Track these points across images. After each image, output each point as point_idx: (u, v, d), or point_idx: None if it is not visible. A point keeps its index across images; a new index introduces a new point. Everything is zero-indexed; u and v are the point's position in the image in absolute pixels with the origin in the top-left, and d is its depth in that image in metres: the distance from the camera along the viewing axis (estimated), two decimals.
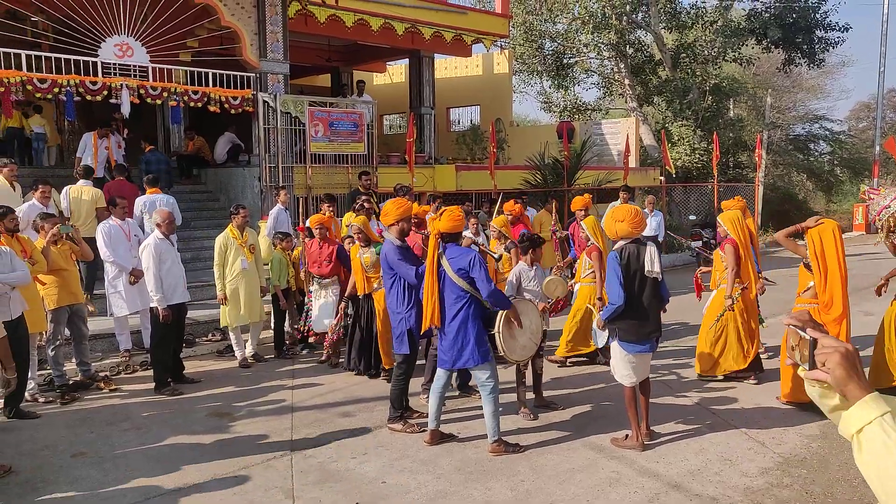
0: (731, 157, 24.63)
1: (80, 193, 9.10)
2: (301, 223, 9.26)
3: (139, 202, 9.56)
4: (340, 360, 7.80)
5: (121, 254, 7.80)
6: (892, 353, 6.09)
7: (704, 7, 22.69)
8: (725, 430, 5.72)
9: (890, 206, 6.01)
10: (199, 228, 11.92)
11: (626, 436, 5.44)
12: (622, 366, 5.36)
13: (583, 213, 8.13)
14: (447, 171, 14.63)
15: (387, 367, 7.13)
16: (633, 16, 22.41)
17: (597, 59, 24.87)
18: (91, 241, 7.87)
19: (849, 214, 25.76)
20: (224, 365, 8.03)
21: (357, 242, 7.12)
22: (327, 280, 8.04)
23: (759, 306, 7.28)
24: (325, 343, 7.91)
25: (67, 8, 9.37)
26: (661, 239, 12.49)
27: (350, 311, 7.44)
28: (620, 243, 5.34)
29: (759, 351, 7.11)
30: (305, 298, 8.44)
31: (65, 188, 9.14)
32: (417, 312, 5.65)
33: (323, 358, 7.99)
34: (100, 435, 5.83)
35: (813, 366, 1.44)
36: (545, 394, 6.44)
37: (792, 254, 6.41)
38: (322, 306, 8.03)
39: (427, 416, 5.55)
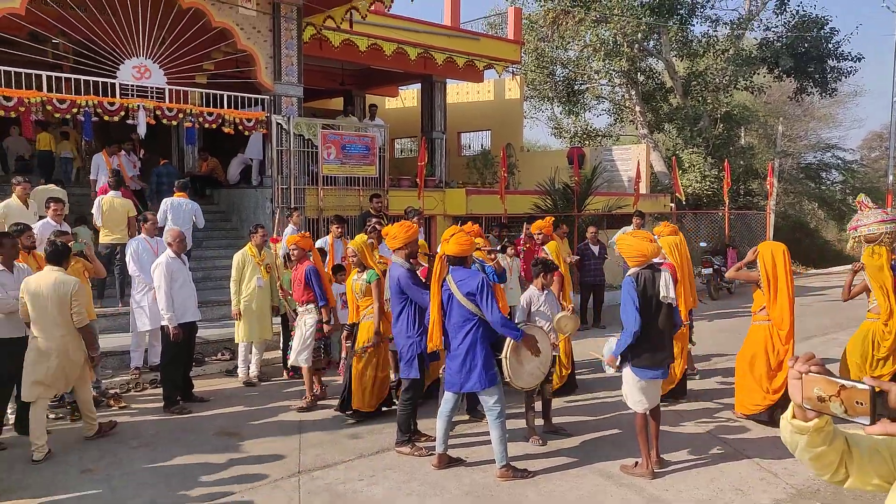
0: (742, 184, 24.63)
1: (112, 203, 9.41)
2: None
3: (164, 204, 9.83)
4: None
5: (147, 270, 7.82)
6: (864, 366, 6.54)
7: (716, 36, 22.90)
8: (737, 459, 5.68)
9: (857, 230, 6.62)
10: (210, 248, 12.03)
11: (636, 463, 5.41)
12: (634, 392, 5.35)
13: (541, 236, 8.13)
14: (458, 195, 14.72)
15: (360, 410, 6.57)
16: (645, 43, 22.62)
17: (608, 85, 25.06)
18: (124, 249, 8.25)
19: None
20: (233, 384, 8.06)
21: (354, 267, 6.81)
22: (302, 307, 7.30)
23: (692, 327, 7.54)
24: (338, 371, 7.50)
25: (88, 30, 9.57)
26: None
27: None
28: (635, 269, 5.37)
29: (692, 372, 7.33)
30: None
31: (97, 199, 9.54)
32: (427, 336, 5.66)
33: (305, 402, 7.10)
34: (108, 452, 5.86)
35: (874, 419, 1.22)
36: (554, 419, 6.42)
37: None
38: (298, 338, 7.27)
39: (435, 440, 5.55)
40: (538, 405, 6.33)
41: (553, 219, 8.77)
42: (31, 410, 5.79)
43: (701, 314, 12.25)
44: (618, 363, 5.39)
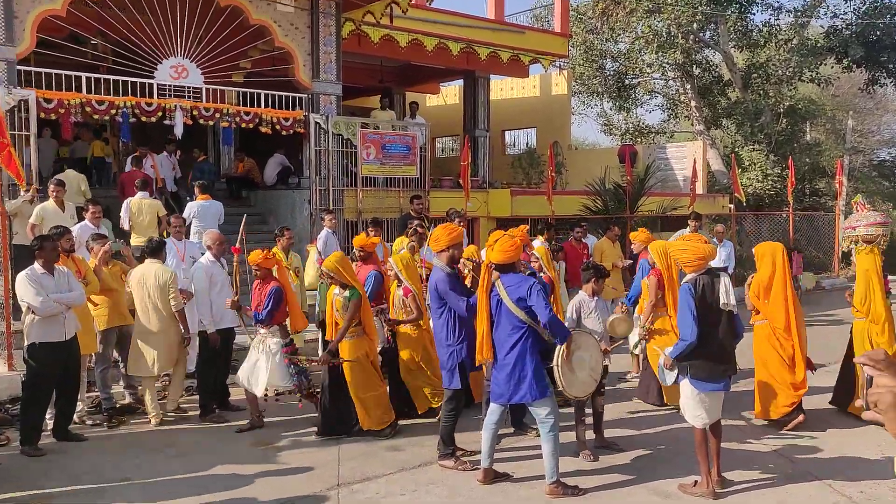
0: (807, 183, 24.02)
1: (141, 205, 9.62)
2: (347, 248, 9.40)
3: (190, 208, 9.99)
4: None
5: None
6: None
7: (778, 25, 22.39)
8: (807, 480, 5.51)
9: (855, 230, 7.02)
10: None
11: (695, 482, 5.30)
12: (693, 406, 5.25)
13: (536, 241, 8.06)
14: (502, 196, 14.69)
15: (372, 429, 6.51)
16: (701, 34, 22.26)
17: (661, 79, 24.75)
18: None
19: None
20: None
21: (332, 283, 6.63)
22: (265, 329, 6.76)
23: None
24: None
25: (127, 30, 9.85)
26: (730, 271, 12.21)
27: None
28: (692, 275, 5.28)
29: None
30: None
31: (125, 201, 9.74)
32: (469, 345, 5.66)
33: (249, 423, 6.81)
34: (145, 461, 5.99)
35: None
36: (606, 433, 6.35)
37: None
38: (257, 363, 6.70)
39: (479, 454, 5.53)
40: (588, 418, 6.25)
41: (526, 227, 8.61)
42: (141, 388, 7.15)
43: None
44: (675, 373, 5.30)
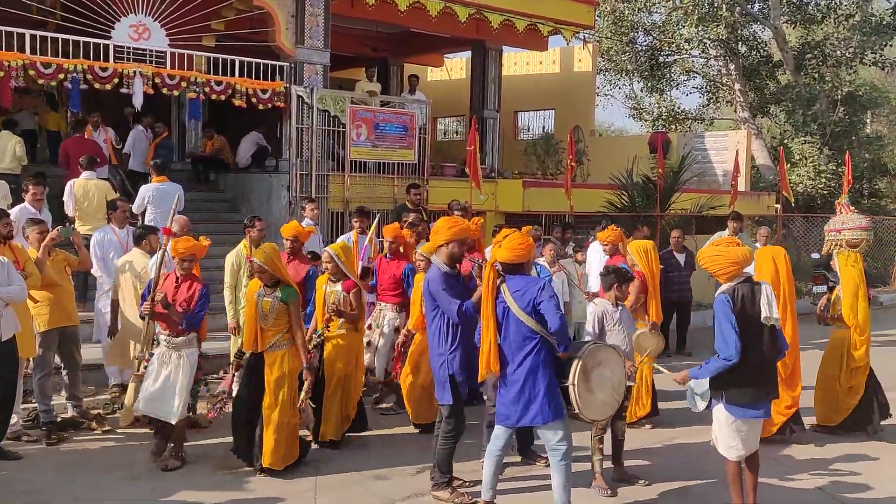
0: (865, 183, 24.07)
1: (87, 187, 9.56)
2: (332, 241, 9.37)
3: (145, 191, 9.91)
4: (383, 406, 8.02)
5: (112, 269, 7.83)
6: (842, 390, 7.50)
7: None
8: None
9: (841, 233, 7.65)
10: (213, 244, 12.16)
11: None
12: (728, 434, 5.25)
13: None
14: (512, 188, 14.67)
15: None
16: (749, 6, 22.26)
17: (701, 57, 24.74)
18: None
19: None
20: None
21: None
22: (181, 339, 6.45)
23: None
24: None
25: None
26: None
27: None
28: (727, 284, 5.28)
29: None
30: None
31: (69, 183, 9.62)
32: (463, 354, 5.69)
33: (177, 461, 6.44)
34: (93, 484, 5.96)
35: None
36: (626, 464, 6.34)
37: None
38: (168, 382, 6.36)
39: (479, 484, 5.52)
40: (606, 446, 6.25)
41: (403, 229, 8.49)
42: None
43: (814, 343, 11.94)
44: (707, 399, 5.29)
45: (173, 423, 6.35)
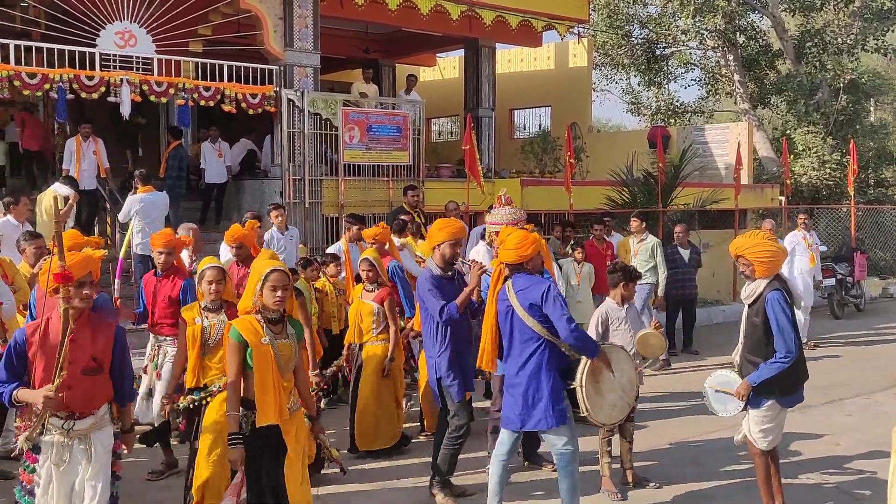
0: (871, 172, 24.09)
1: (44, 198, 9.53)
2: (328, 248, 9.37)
3: (132, 202, 9.84)
4: None
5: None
6: None
7: None
8: None
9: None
10: (206, 252, 12.15)
11: None
12: (772, 427, 5.32)
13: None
14: (510, 187, 14.62)
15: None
16: None
17: (698, 49, 24.75)
18: None
19: None
20: None
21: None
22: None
23: None
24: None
25: None
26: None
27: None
28: (764, 280, 5.33)
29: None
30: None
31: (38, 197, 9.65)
32: (452, 357, 5.71)
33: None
34: None
35: None
36: (636, 467, 6.32)
37: None
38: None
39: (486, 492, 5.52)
40: (614, 448, 6.25)
41: (387, 226, 8.38)
42: None
43: (823, 337, 11.97)
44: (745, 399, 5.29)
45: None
